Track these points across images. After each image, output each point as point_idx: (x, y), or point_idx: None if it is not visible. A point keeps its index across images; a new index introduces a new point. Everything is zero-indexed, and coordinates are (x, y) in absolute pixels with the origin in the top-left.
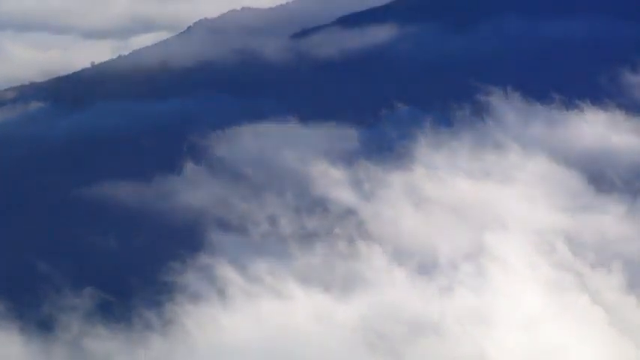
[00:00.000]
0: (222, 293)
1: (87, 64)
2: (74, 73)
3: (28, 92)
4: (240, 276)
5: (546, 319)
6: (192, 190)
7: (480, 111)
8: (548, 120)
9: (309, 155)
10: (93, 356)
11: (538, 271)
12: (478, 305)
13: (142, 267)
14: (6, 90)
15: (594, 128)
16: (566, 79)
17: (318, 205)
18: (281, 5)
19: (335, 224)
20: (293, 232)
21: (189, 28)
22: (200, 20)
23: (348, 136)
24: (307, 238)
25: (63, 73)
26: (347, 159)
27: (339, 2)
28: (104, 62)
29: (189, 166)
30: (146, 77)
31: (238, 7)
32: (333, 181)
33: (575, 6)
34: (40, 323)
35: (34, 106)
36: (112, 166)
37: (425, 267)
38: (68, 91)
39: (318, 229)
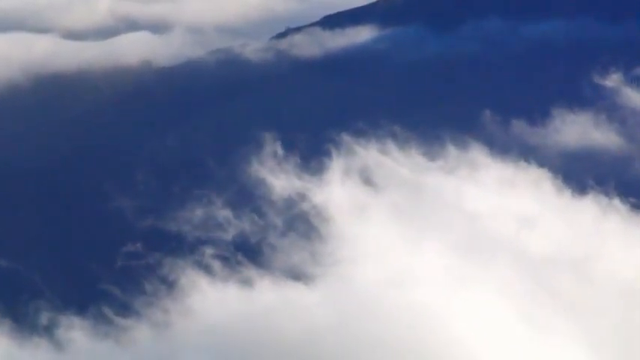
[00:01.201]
0: (186, 280)
1: (73, 64)
2: None
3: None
4: (200, 263)
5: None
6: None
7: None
8: (528, 122)
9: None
10: (68, 346)
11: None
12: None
13: (101, 253)
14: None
15: (573, 130)
16: (546, 81)
17: (266, 193)
18: (265, 6)
19: (288, 210)
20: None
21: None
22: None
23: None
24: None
25: (47, 73)
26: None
27: (323, 2)
28: None
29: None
30: None
31: (222, 8)
32: (277, 169)
33: (557, 8)
34: (14, 319)
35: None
36: None
37: (383, 249)
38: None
39: (273, 218)
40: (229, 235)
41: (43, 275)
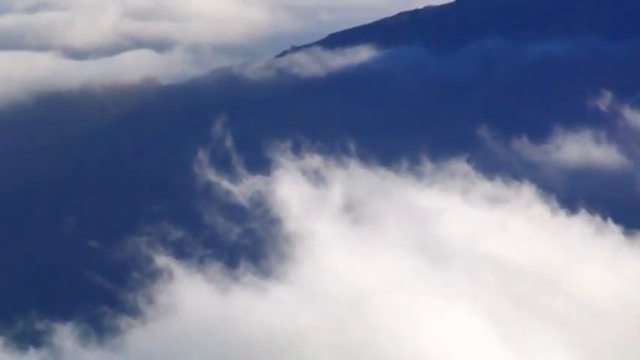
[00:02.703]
0: (167, 279)
1: (74, 82)
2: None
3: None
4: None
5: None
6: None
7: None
8: (528, 141)
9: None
10: (61, 350)
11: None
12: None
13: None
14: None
15: (574, 148)
16: (548, 100)
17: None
18: (271, 24)
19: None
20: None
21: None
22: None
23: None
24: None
25: (48, 91)
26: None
27: (330, 20)
28: None
29: None
30: None
31: (227, 27)
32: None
33: (560, 27)
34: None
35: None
36: None
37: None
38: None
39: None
40: (202, 238)
41: (30, 287)
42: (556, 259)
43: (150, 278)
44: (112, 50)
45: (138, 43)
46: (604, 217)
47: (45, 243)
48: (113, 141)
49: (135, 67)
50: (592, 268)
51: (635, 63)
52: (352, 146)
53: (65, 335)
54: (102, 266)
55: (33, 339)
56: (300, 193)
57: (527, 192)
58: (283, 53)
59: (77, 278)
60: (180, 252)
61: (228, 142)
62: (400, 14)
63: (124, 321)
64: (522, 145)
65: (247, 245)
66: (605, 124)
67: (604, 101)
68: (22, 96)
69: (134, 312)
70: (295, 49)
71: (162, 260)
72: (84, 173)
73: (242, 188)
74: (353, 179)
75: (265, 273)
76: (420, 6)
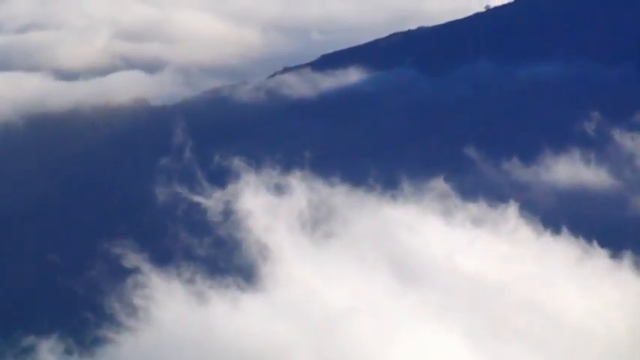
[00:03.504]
0: (140, 298)
1: (64, 103)
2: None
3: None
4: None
5: None
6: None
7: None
8: (516, 164)
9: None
10: None
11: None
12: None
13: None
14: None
15: (563, 172)
16: (538, 123)
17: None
18: (264, 44)
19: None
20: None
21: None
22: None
23: None
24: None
25: (39, 112)
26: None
27: (322, 41)
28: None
29: None
30: None
31: (218, 48)
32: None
33: (551, 50)
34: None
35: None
36: None
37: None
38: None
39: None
40: (177, 250)
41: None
42: (537, 281)
43: (127, 290)
44: (102, 71)
45: (128, 64)
46: (589, 240)
47: (27, 261)
48: (103, 161)
49: (125, 88)
50: (574, 290)
51: (624, 86)
52: (333, 166)
53: (48, 349)
54: (80, 280)
55: (16, 355)
56: (273, 209)
57: (512, 213)
58: (274, 75)
59: (56, 293)
60: (157, 264)
61: (213, 164)
62: (392, 35)
63: (104, 333)
64: (512, 166)
65: (220, 258)
66: (595, 147)
67: (593, 124)
68: (12, 116)
69: (113, 324)
70: (286, 70)
71: (138, 271)
72: (74, 193)
73: (212, 202)
74: (328, 197)
75: (237, 286)
76: (413, 27)
